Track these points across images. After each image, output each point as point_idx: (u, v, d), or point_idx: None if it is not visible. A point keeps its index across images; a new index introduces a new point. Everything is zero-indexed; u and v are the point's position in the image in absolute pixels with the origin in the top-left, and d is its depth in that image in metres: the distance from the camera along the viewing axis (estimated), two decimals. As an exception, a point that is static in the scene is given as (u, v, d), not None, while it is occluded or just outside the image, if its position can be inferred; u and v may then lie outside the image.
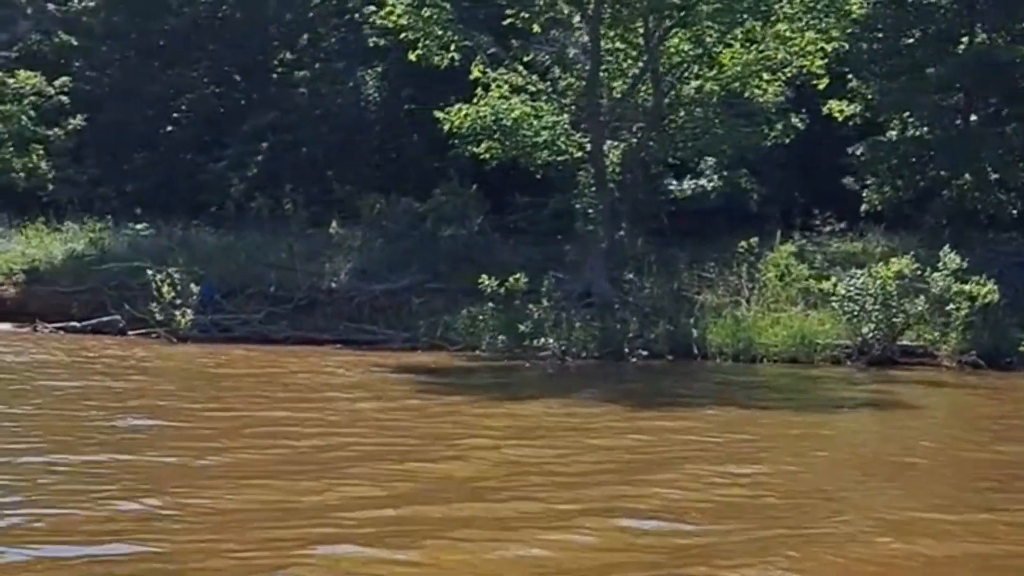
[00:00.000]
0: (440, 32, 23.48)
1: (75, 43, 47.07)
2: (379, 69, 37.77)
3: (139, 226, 35.72)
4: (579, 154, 26.09)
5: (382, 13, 23.72)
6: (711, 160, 28.40)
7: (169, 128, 45.16)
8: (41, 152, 41.63)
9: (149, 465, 11.73)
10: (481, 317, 25.78)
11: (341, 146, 39.23)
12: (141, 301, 30.17)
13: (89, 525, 9.12)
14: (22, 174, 42.19)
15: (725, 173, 28.83)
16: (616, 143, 26.14)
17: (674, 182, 29.24)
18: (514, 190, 32.37)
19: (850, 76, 30.65)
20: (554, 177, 29.65)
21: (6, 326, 30.42)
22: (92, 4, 45.50)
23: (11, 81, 41.50)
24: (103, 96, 44.85)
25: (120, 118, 44.26)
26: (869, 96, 30.69)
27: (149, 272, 27.99)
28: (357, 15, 38.07)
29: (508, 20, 24.63)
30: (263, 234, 33.62)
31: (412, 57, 24.37)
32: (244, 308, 29.62)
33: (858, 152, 31.39)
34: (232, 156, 40.21)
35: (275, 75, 42.47)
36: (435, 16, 23.37)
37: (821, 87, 26.55)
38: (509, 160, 25.80)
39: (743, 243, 27.04)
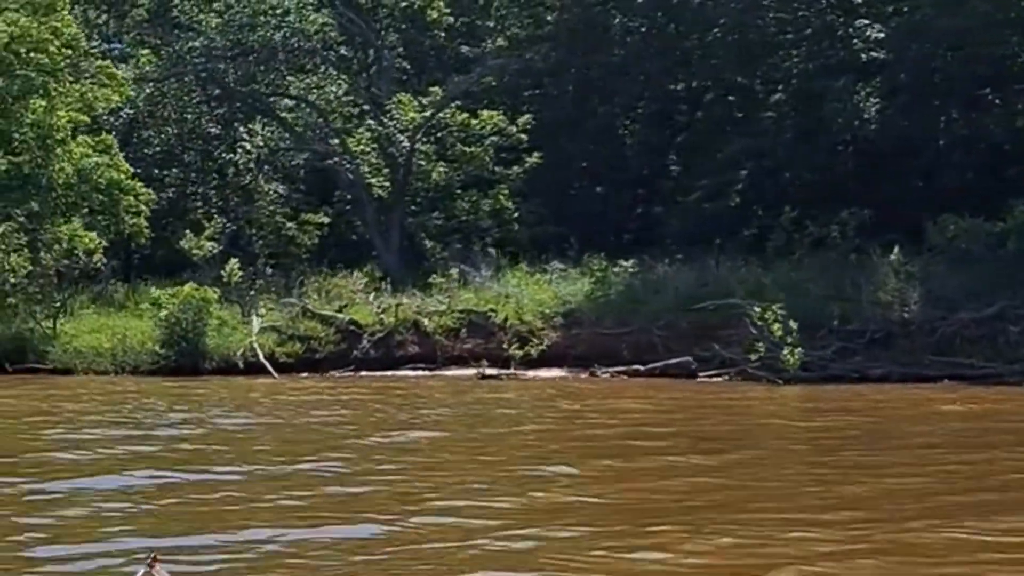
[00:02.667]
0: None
1: (493, 83, 46.70)
2: (876, 83, 35.70)
3: (627, 263, 34.54)
4: None
5: None
6: None
7: (613, 161, 44.25)
8: (506, 192, 41.22)
9: None
10: None
11: (828, 167, 37.32)
12: (691, 341, 29.10)
13: None
14: (469, 216, 41.97)
15: None
16: None
17: None
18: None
19: None
20: None
21: (558, 372, 29.62)
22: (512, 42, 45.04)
23: (474, 122, 41.28)
24: (546, 133, 44.22)
25: (563, 154, 43.56)
26: None
27: (756, 309, 26.52)
28: (851, 29, 36.10)
29: None
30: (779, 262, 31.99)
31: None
32: (808, 344, 27.92)
33: None
34: (708, 186, 38.80)
35: (739, 99, 40.90)
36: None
37: None
38: None
39: None
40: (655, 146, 43.89)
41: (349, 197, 43.35)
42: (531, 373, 29.40)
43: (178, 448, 16.61)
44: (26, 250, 29.84)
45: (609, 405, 22.17)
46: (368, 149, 41.30)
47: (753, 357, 26.17)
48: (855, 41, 36.11)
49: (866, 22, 35.63)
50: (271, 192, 39.66)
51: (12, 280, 29.71)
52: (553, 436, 17.84)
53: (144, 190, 35.43)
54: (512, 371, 29.08)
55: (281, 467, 14.67)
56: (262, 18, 40.65)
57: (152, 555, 8.78)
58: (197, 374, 29.24)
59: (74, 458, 15.60)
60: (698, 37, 41.11)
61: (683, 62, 43.00)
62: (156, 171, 41.48)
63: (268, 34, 40.58)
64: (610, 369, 29.00)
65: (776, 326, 25.71)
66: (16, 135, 33.26)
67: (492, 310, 31.60)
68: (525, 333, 30.64)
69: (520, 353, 29.45)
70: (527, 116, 40.97)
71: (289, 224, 38.87)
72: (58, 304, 31.09)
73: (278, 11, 41.11)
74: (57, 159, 33.22)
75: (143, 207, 35.04)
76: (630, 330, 30.07)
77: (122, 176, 34.69)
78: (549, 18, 45.45)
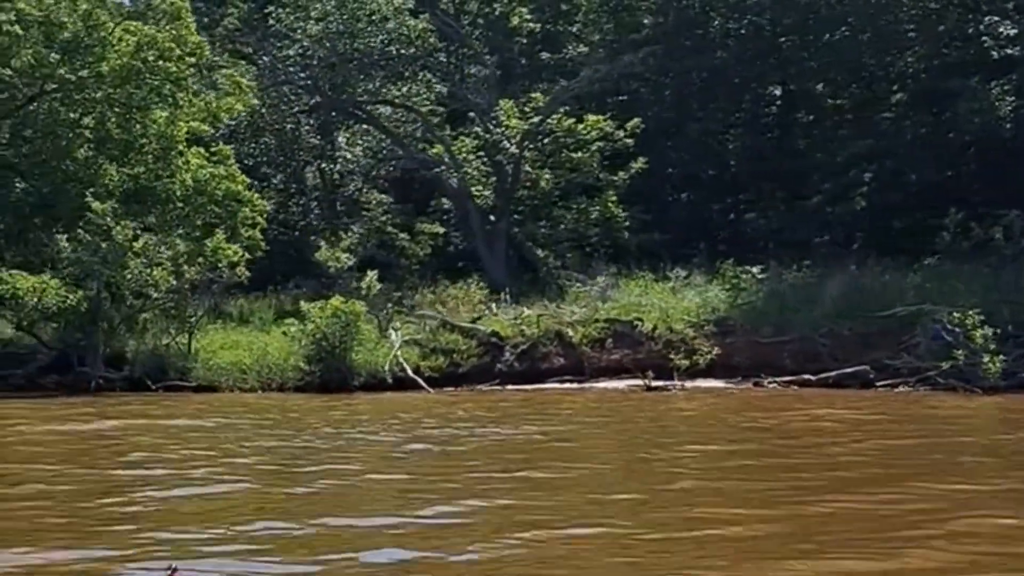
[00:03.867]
0: None
1: (583, 89, 45.75)
2: (1010, 81, 34.86)
3: (754, 269, 33.62)
4: None
5: None
6: None
7: (714, 165, 43.40)
8: (614, 198, 40.27)
9: None
10: None
11: (955, 169, 36.53)
12: (857, 349, 28.23)
13: None
14: (578, 224, 41.00)
15: None
16: None
17: None
18: None
19: None
20: None
21: (716, 383, 28.65)
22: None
23: (579, 127, 40.37)
24: (645, 138, 43.32)
25: (662, 159, 42.68)
26: None
27: (955, 314, 25.60)
28: (981, 26, 35.29)
29: None
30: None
31: None
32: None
33: None
34: (828, 190, 37.95)
35: (854, 100, 40.04)
36: None
37: None
38: None
39: None
40: (759, 150, 43.01)
41: (446, 206, 42.50)
42: (689, 384, 28.49)
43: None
44: (168, 263, 28.81)
45: (848, 416, 21.12)
46: (472, 157, 40.44)
47: (945, 365, 25.22)
48: (984, 39, 35.30)
49: (996, 19, 34.81)
50: (382, 202, 38.64)
51: (154, 294, 28.71)
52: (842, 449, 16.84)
53: (260, 201, 34.54)
54: (678, 382, 28.15)
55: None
56: (360, 24, 39.79)
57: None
58: (345, 390, 28.27)
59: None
60: (801, 37, 40.32)
61: (785, 63, 42.23)
62: (255, 182, 40.54)
63: (367, 41, 39.74)
64: (777, 379, 28.12)
65: (977, 332, 24.77)
66: (135, 146, 32.35)
67: (638, 319, 30.69)
68: (677, 342, 29.73)
69: (687, 363, 28.52)
70: (636, 120, 40.04)
71: (401, 235, 37.83)
72: (193, 319, 30.10)
73: (374, 17, 40.26)
74: (179, 170, 32.34)
75: (259, 219, 34.11)
76: (790, 338, 29.16)
77: (239, 187, 33.75)
78: (645, 21, 44.70)
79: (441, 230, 38.56)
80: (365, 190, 40.34)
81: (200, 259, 29.28)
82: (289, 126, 40.45)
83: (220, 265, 29.65)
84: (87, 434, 19.71)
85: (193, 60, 32.19)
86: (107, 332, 28.92)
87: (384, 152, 41.73)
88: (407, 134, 41.36)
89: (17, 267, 30.12)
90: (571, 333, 30.59)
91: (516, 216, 41.27)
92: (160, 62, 30.96)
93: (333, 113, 41.39)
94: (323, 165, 40.95)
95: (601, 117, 40.19)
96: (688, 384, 28.33)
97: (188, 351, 29.72)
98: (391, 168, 42.52)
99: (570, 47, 47.32)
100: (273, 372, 29.02)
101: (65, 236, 29.99)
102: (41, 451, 17.31)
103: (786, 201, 40.89)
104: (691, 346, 29.43)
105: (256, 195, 34.24)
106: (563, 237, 40.22)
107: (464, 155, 40.28)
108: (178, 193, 32.56)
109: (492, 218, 40.09)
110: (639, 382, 28.40)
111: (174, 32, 31.74)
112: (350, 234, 33.80)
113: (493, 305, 33.90)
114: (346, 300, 28.83)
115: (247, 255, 31.90)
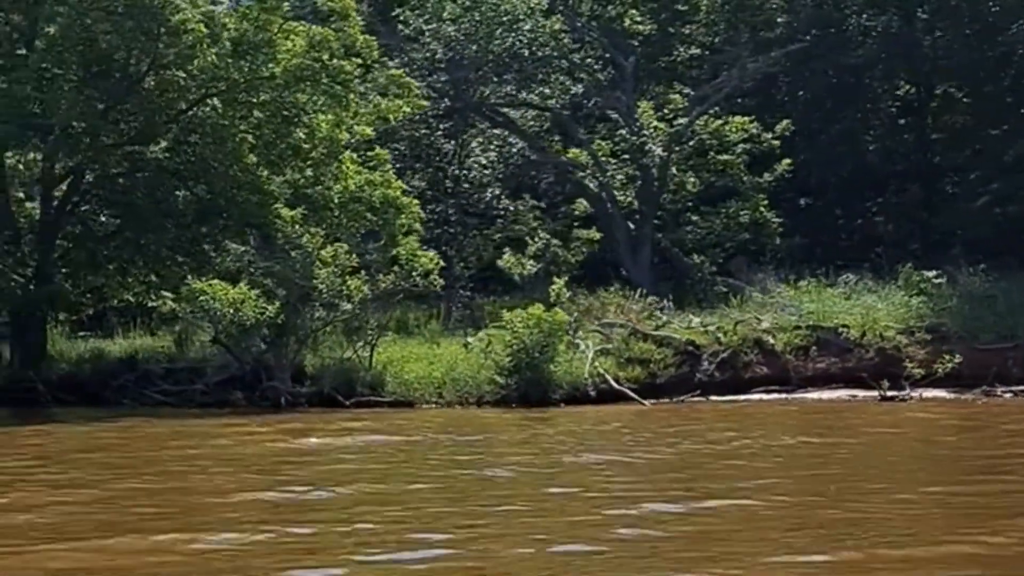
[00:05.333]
0: None
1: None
2: None
3: (930, 273, 32.11)
4: None
5: None
6: None
7: (857, 167, 41.91)
8: (765, 202, 38.73)
9: None
10: None
11: None
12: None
13: None
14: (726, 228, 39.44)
15: None
16: None
17: None
18: None
19: None
20: None
21: (938, 392, 27.05)
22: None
23: (725, 128, 38.95)
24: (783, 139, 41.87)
25: (797, 161, 41.18)
26: None
27: None
28: None
29: None
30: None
31: None
32: None
33: None
34: (996, 190, 36.52)
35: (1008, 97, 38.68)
36: None
37: None
38: None
39: None
40: (902, 150, 41.63)
41: (576, 212, 40.98)
42: (917, 393, 26.97)
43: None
44: (363, 272, 27.23)
45: None
46: (613, 160, 39.00)
47: None
48: None
49: None
50: (533, 208, 37.11)
51: (346, 305, 27.08)
52: None
53: (415, 208, 32.89)
54: (911, 392, 26.63)
55: None
56: (490, 26, 38.25)
57: None
58: (547, 404, 26.66)
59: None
60: (943, 33, 38.97)
61: (925, 59, 40.89)
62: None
63: (502, 42, 38.23)
64: (1011, 388, 26.61)
65: None
66: (297, 150, 30.78)
67: (843, 326, 29.14)
68: (890, 349, 28.19)
69: (922, 372, 26.97)
70: (785, 122, 38.66)
71: (554, 241, 36.21)
72: (375, 331, 28.47)
73: (505, 18, 38.73)
74: (344, 176, 30.79)
75: (416, 226, 32.47)
76: (1014, 345, 27.65)
77: (395, 193, 32.14)
78: (779, 20, 43.26)
79: (597, 236, 36.83)
80: (504, 196, 38.78)
81: (395, 268, 27.68)
82: (423, 131, 38.81)
83: (415, 274, 28.02)
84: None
85: (361, 60, 30.62)
86: (295, 345, 27.30)
87: (516, 156, 40.20)
88: (542, 138, 39.90)
89: (183, 277, 28.78)
90: (772, 341, 29.04)
91: (655, 221, 39.75)
92: (334, 61, 29.36)
93: (469, 115, 39.74)
94: (455, 171, 39.32)
95: (747, 119, 38.87)
96: (916, 394, 26.84)
97: (370, 365, 28.13)
98: (545, 172, 41.08)
99: (681, 48, 45.78)
100: (468, 386, 27.41)
101: (233, 244, 28.52)
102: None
103: (931, 203, 39.50)
104: (905, 353, 27.89)
105: (414, 201, 32.61)
106: (712, 242, 38.68)
107: (605, 158, 38.87)
108: (336, 200, 31.00)
109: (631, 224, 38.66)
110: (859, 392, 26.91)
111: (344, 31, 30.20)
112: (537, 240, 32.16)
113: (659, 312, 32.35)
114: (548, 308, 27.25)
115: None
